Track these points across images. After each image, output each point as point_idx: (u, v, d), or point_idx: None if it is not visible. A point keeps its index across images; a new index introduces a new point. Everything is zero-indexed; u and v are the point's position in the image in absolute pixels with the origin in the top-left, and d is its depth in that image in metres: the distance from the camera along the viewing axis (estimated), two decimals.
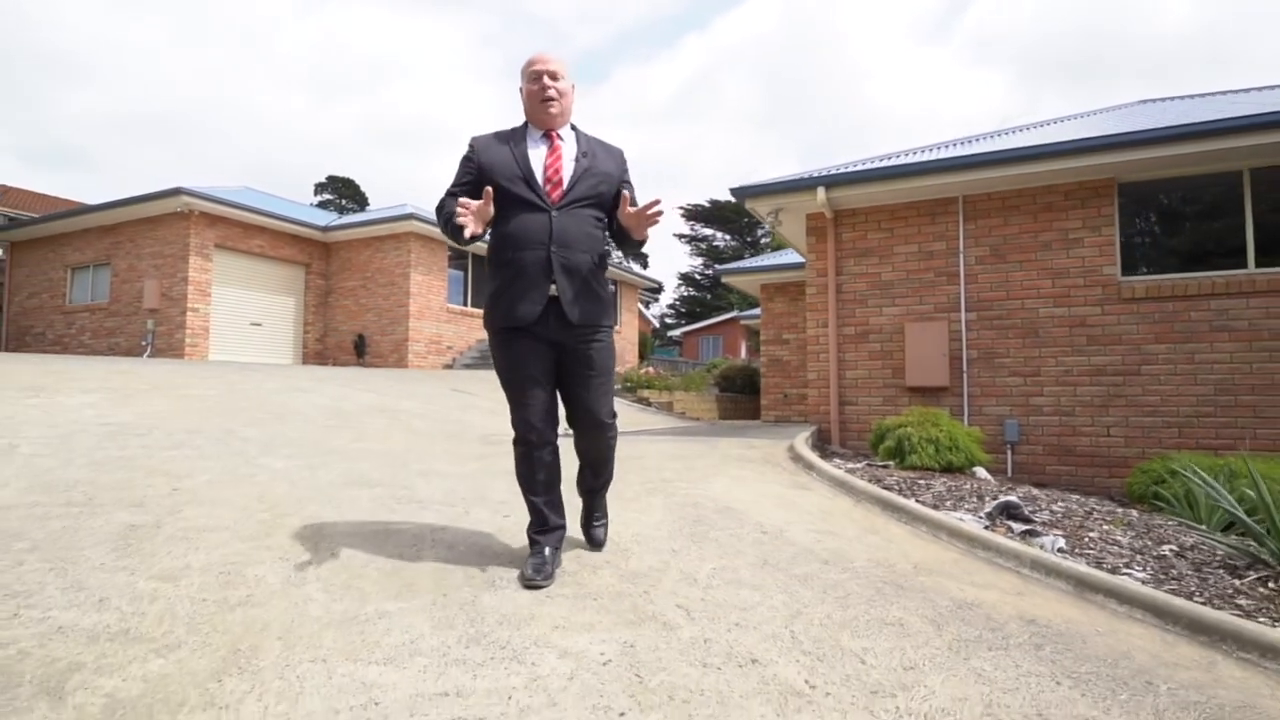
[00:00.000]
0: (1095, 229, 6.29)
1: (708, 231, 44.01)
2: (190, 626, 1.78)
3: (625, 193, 2.26)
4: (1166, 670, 1.95)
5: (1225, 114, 5.96)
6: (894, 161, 7.14)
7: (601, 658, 1.75)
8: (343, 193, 47.65)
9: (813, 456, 4.97)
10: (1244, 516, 2.89)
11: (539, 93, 2.25)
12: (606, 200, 2.31)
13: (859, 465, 5.18)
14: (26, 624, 1.72)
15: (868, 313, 7.17)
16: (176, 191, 13.02)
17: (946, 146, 7.92)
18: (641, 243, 2.32)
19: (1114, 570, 2.70)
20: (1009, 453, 6.43)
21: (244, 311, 14.45)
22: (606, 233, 2.39)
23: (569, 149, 2.30)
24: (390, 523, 2.83)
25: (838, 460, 5.52)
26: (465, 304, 16.32)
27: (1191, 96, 9.27)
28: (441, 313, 15.54)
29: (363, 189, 48.06)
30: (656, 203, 2.15)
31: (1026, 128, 8.68)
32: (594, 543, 2.56)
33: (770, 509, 3.55)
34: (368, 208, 45.60)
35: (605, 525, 2.64)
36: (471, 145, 2.32)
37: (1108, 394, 6.13)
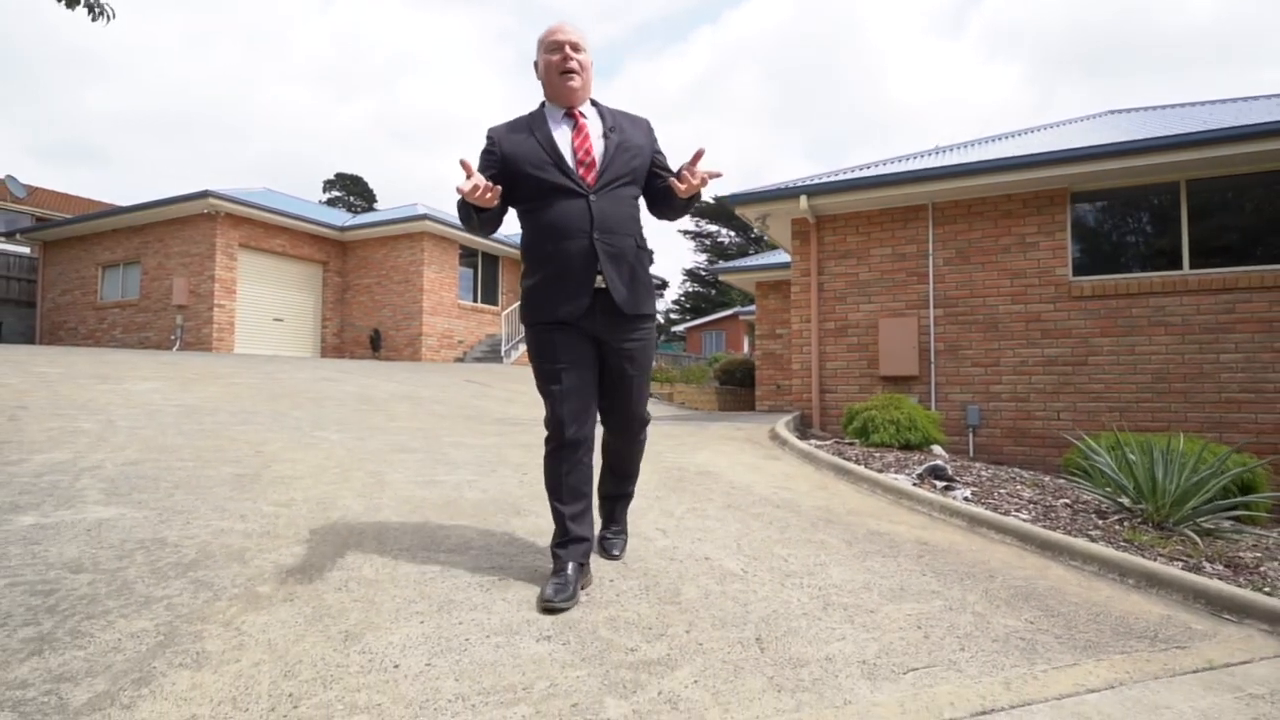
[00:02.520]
0: (1049, 234, 6.98)
1: (713, 228, 44.60)
2: (310, 531, 2.52)
3: (700, 149, 2.08)
4: (1009, 570, 2.67)
5: (1167, 131, 6.63)
6: (870, 172, 7.84)
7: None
8: (351, 190, 48.47)
9: (788, 435, 5.70)
10: (1113, 475, 3.60)
11: (560, 64, 2.09)
12: (641, 176, 2.19)
13: (828, 442, 5.91)
14: (199, 528, 2.47)
15: (846, 309, 7.88)
16: (204, 194, 13.80)
17: (919, 157, 8.61)
18: (689, 203, 2.16)
19: (1005, 513, 3.42)
20: (970, 435, 7.14)
21: (266, 307, 15.24)
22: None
23: (594, 126, 2.14)
24: (434, 476, 3.58)
25: (814, 440, 6.24)
26: (475, 300, 17.09)
27: (1157, 108, 9.91)
28: (453, 308, 16.30)
29: (371, 186, 48.87)
30: (698, 156, 2.06)
31: (997, 138, 9.35)
32: (608, 554, 2.38)
33: (742, 472, 4.29)
34: (376, 204, 46.51)
35: (624, 539, 2.48)
36: (490, 136, 2.17)
37: (1058, 382, 6.83)
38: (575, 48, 2.12)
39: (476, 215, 2.06)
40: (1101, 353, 6.69)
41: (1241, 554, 2.95)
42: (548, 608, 1.93)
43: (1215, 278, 6.30)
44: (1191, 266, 6.49)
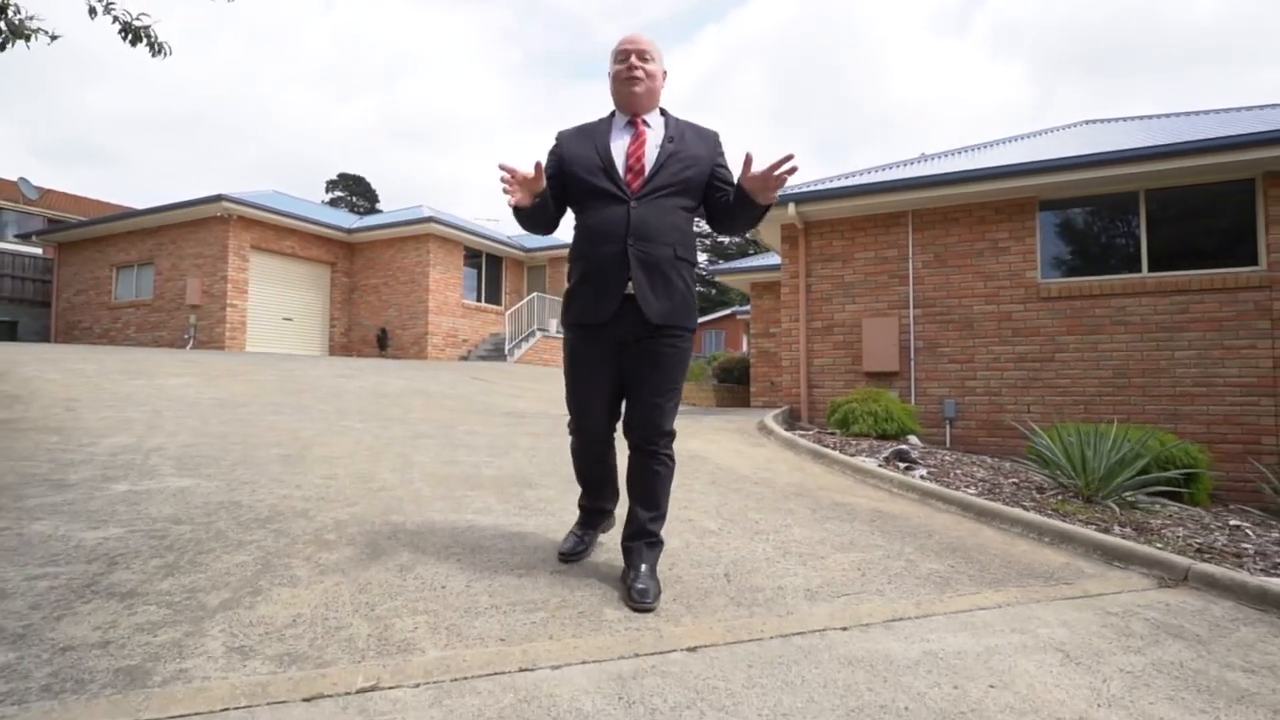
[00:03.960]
0: (1020, 239, 7.46)
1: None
2: (357, 496, 3.01)
3: (748, 154, 2.03)
4: (946, 531, 3.15)
5: (1128, 145, 7.11)
6: (854, 181, 8.32)
7: None
8: (353, 190, 48.87)
9: (775, 426, 6.18)
10: (1052, 456, 4.08)
11: (625, 72, 2.14)
12: (696, 187, 2.17)
13: (811, 432, 6.39)
14: (264, 494, 2.95)
15: (833, 309, 8.36)
16: (218, 198, 14.28)
17: (900, 167, 9.10)
18: (763, 211, 2.12)
19: (954, 489, 3.89)
20: (948, 427, 7.62)
21: (276, 307, 15.72)
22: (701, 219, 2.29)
23: (655, 135, 2.17)
24: (454, 457, 4.06)
25: (799, 431, 6.72)
26: (479, 300, 17.57)
27: (1131, 119, 10.39)
28: (458, 308, 16.78)
29: (374, 186, 49.27)
30: (789, 158, 1.96)
31: (975, 148, 9.84)
32: (634, 600, 2.01)
33: (728, 457, 4.77)
34: (378, 204, 46.94)
35: (655, 587, 2.07)
36: (557, 139, 2.26)
37: (1028, 377, 7.31)
38: (642, 56, 2.16)
39: (522, 215, 2.13)
40: (1067, 350, 7.16)
41: (1151, 521, 3.43)
42: (564, 557, 2.32)
43: (1170, 280, 6.78)
44: (1149, 270, 6.97)
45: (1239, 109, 9.27)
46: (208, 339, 14.65)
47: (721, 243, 44.67)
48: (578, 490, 2.47)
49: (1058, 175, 7.06)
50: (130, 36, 3.82)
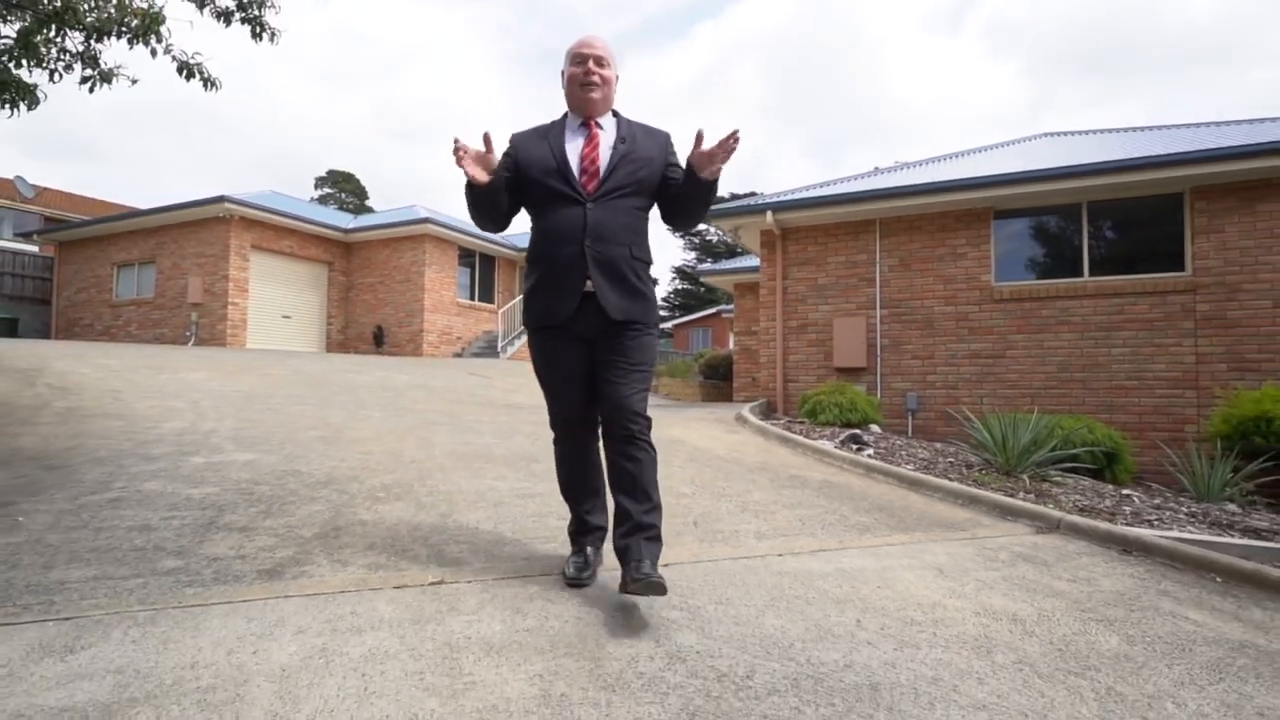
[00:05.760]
0: (976, 245, 8.16)
1: (701, 226, 45.67)
2: (393, 467, 3.63)
3: (699, 130, 2.06)
4: (880, 496, 3.82)
5: (1072, 162, 7.83)
6: (827, 191, 9.00)
7: None
8: (343, 187, 49.06)
9: (750, 416, 6.84)
10: (981, 438, 4.77)
11: (581, 76, 2.18)
12: (649, 187, 2.21)
13: (782, 422, 7.06)
14: (317, 465, 3.57)
15: (807, 309, 9.04)
16: (220, 199, 14.77)
17: (869, 177, 9.79)
18: (708, 188, 2.12)
19: (896, 466, 4.57)
20: (910, 418, 8.32)
21: (276, 305, 16.21)
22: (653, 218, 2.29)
23: (607, 137, 2.21)
24: (466, 440, 4.69)
25: (773, 421, 7.38)
26: (473, 299, 18.14)
27: (1088, 133, 11.15)
28: (452, 306, 17.35)
29: (364, 183, 49.48)
30: (734, 133, 2.01)
31: (942, 159, 10.55)
32: (640, 575, 1.90)
33: (706, 441, 5.42)
34: (368, 201, 47.22)
35: (660, 582, 1.90)
36: (511, 141, 2.27)
37: (982, 372, 8.02)
38: (599, 62, 2.19)
39: (472, 201, 2.15)
40: (1017, 347, 7.88)
41: (1053, 490, 4.12)
42: (572, 582, 2.15)
43: (1108, 284, 7.50)
44: (1090, 274, 7.69)
45: (1178, 126, 10.03)
46: (209, 336, 15.13)
47: (709, 242, 45.32)
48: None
49: (1009, 188, 7.76)
50: (185, 73, 4.40)
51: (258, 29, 4.48)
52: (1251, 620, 2.22)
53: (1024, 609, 2.18)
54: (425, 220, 16.40)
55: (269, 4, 4.50)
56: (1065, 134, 11.26)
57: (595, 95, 2.19)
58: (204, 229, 15.42)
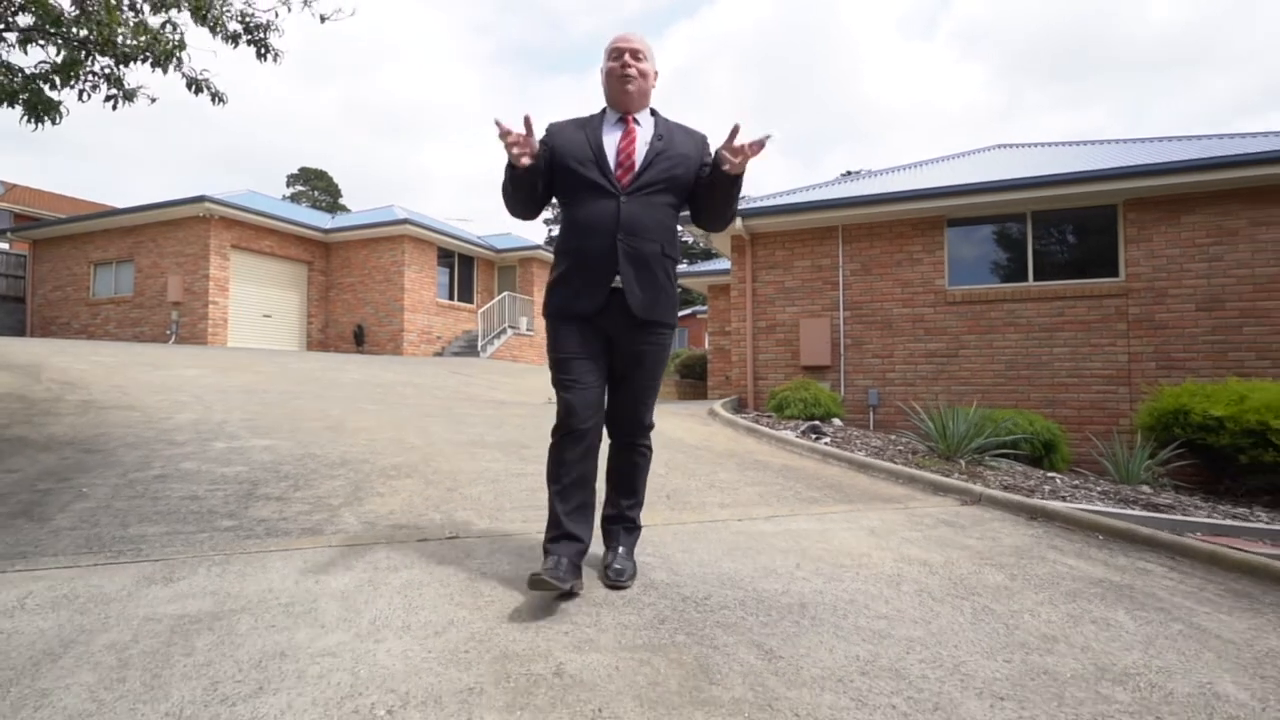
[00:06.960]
0: (931, 251, 8.76)
1: (678, 227, 46.13)
2: (399, 452, 4.04)
3: (735, 124, 2.06)
4: (832, 477, 4.32)
5: (1016, 174, 8.46)
6: (794, 199, 9.54)
7: None
8: (315, 184, 48.75)
9: (721, 411, 7.33)
10: (927, 428, 5.31)
11: (618, 70, 2.19)
12: (682, 185, 2.22)
13: (751, 416, 7.57)
14: (329, 449, 3.96)
15: (775, 311, 9.57)
16: (200, 199, 14.91)
17: (834, 185, 10.36)
18: (733, 183, 2.12)
19: (849, 452, 5.08)
20: (871, 413, 8.88)
21: (256, 304, 16.37)
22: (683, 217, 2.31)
23: (644, 132, 2.22)
24: (460, 430, 5.10)
25: (743, 415, 7.88)
26: (452, 299, 18.44)
27: (1038, 145, 11.86)
28: (432, 306, 17.63)
29: (337, 180, 49.20)
30: (768, 137, 2.02)
31: (901, 168, 11.17)
32: (616, 583, 2.14)
33: (680, 432, 5.89)
34: (341, 199, 47.01)
35: (632, 567, 2.23)
36: (547, 129, 2.26)
37: (937, 370, 8.61)
38: (636, 55, 2.21)
39: (513, 184, 2.12)
40: (969, 347, 8.48)
41: (986, 472, 4.66)
42: (535, 581, 1.88)
43: (1051, 288, 8.13)
44: (1034, 279, 8.32)
45: (1119, 141, 10.76)
46: (190, 335, 15.25)
47: (685, 242, 45.93)
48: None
49: (960, 199, 8.36)
50: (195, 88, 4.75)
51: (263, 50, 4.84)
52: (1115, 565, 2.74)
53: (934, 557, 2.68)
54: (404, 221, 16.68)
55: (274, 28, 4.87)
56: (1018, 145, 11.96)
57: (631, 88, 2.20)
58: (183, 228, 15.53)
